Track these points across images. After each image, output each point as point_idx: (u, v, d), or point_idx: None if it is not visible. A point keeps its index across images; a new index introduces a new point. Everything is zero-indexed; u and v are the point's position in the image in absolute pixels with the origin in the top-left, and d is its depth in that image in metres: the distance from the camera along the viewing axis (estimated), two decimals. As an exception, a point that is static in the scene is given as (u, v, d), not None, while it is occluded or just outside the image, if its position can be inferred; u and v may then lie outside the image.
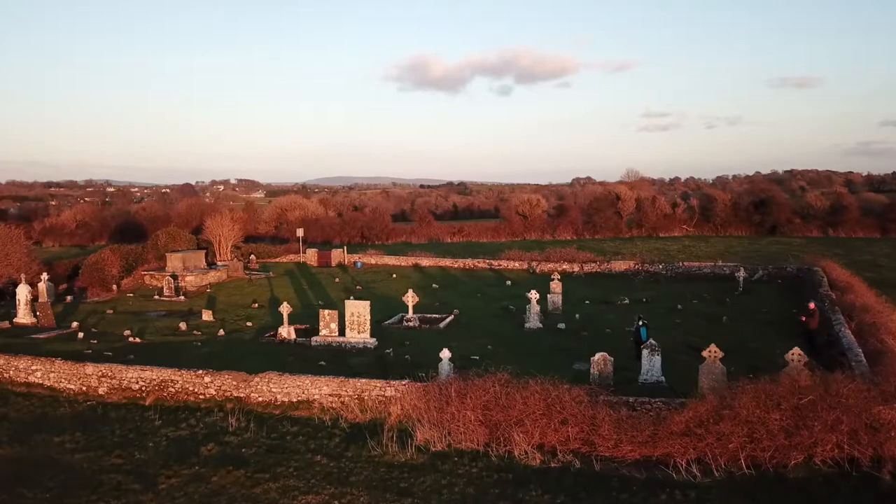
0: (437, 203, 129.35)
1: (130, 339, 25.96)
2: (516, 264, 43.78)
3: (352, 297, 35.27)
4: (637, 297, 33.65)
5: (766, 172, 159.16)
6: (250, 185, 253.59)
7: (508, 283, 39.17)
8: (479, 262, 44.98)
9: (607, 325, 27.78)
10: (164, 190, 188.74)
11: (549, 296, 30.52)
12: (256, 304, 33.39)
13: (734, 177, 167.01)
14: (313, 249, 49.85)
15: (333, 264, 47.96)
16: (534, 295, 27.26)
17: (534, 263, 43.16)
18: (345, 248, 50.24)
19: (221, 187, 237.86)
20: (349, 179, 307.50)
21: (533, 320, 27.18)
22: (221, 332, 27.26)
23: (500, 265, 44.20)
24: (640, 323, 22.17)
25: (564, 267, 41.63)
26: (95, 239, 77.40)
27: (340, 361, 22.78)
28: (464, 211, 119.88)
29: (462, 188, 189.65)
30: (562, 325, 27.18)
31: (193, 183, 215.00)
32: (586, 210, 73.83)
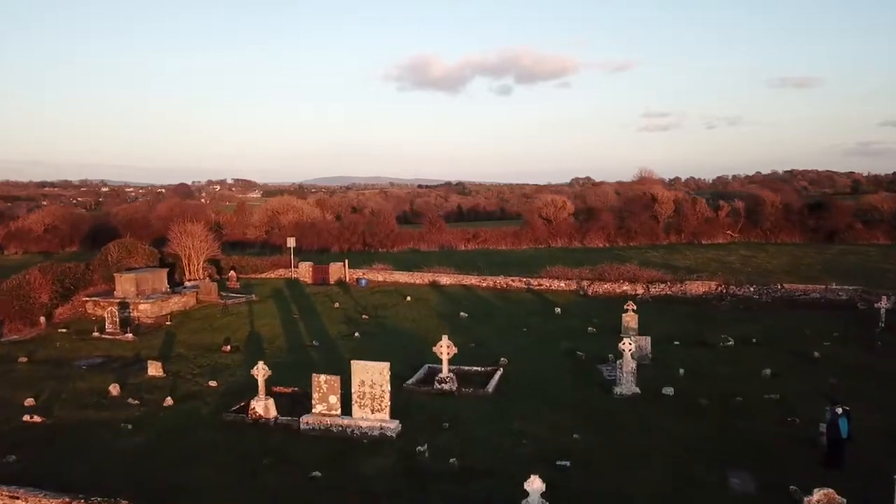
0: (438, 203, 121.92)
1: (28, 416, 17.23)
2: (562, 284, 34.82)
3: (357, 334, 26.68)
4: (743, 336, 25.00)
5: (766, 172, 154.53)
6: (247, 185, 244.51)
7: (557, 310, 30.44)
8: (512, 281, 36.11)
9: (728, 386, 19.20)
10: (159, 190, 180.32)
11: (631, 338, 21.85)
12: (228, 347, 24.62)
13: (734, 177, 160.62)
14: (307, 263, 41.07)
15: (332, 281, 39.25)
16: (628, 346, 18.61)
17: (584, 283, 34.25)
18: (346, 261, 41.43)
19: (218, 187, 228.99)
20: (346, 179, 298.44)
21: (626, 383, 18.55)
22: (169, 400, 18.55)
23: (540, 285, 35.29)
24: (839, 412, 13.54)
25: (625, 288, 32.83)
26: (65, 244, 71.09)
27: (345, 468, 14.21)
28: (469, 212, 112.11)
29: (461, 188, 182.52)
30: (668, 391, 18.56)
31: (190, 183, 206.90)
32: (619, 213, 65.21)
